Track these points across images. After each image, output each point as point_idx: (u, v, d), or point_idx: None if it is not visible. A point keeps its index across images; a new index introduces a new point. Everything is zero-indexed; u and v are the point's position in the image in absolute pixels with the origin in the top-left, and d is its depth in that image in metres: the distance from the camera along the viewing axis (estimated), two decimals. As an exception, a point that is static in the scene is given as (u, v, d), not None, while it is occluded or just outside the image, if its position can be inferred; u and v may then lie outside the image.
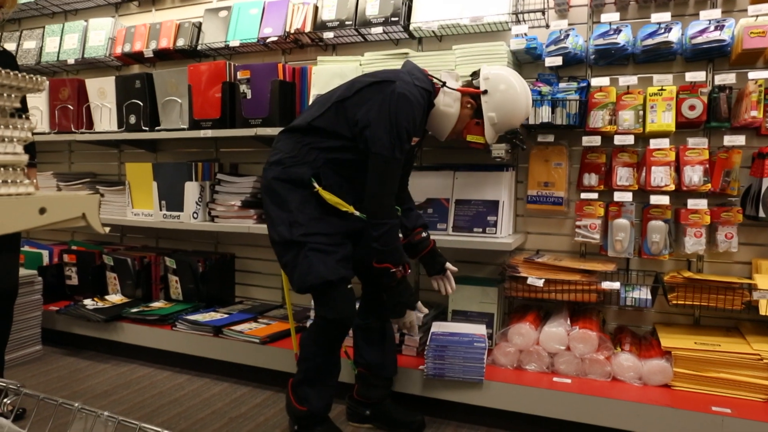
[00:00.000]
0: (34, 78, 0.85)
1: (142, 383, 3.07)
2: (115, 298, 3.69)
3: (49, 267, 3.83)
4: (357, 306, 2.43)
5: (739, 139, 2.53)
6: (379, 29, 3.08)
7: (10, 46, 4.16)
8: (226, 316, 3.33)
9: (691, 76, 2.57)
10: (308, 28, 3.25)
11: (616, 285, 2.61)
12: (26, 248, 4.05)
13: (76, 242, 4.17)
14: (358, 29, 3.14)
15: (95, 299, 3.63)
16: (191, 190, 3.37)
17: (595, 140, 2.71)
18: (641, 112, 2.66)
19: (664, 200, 2.60)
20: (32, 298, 3.41)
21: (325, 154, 2.28)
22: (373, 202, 2.23)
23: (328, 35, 3.22)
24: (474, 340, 2.55)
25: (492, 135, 2.40)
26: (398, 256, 2.27)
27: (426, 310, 2.47)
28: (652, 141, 2.62)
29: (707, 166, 2.58)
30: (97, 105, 3.75)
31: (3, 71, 0.86)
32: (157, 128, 3.54)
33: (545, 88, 2.76)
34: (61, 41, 4.01)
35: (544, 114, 2.71)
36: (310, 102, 3.11)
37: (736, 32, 2.53)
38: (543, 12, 2.81)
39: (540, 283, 2.65)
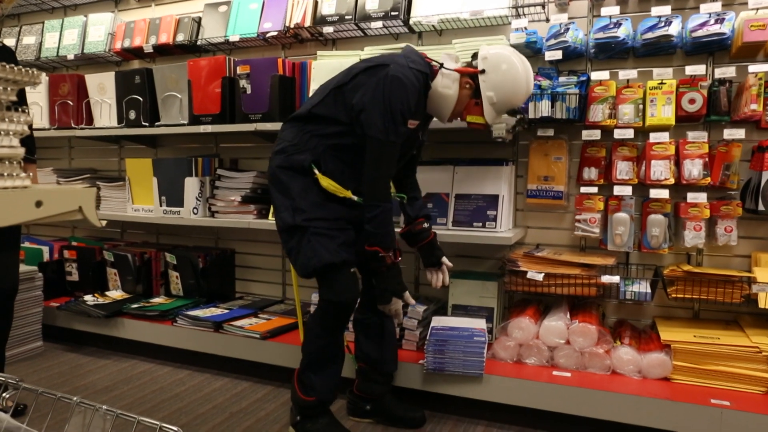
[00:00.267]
0: (29, 71, 0.85)
1: (143, 379, 3.08)
2: (116, 293, 3.69)
3: (49, 263, 3.83)
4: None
5: (739, 133, 2.52)
6: (379, 24, 3.08)
7: (9, 42, 4.16)
8: (226, 311, 3.33)
9: (691, 70, 2.57)
10: (308, 23, 3.24)
11: (616, 279, 2.61)
12: (27, 244, 4.05)
13: (76, 238, 4.18)
14: (358, 24, 3.13)
15: (96, 295, 3.64)
16: (191, 185, 3.37)
17: (595, 134, 2.71)
18: (641, 106, 2.66)
19: (664, 194, 2.60)
20: (33, 294, 3.41)
21: (325, 141, 2.30)
22: (368, 185, 2.25)
23: (328, 30, 3.22)
24: (474, 335, 2.56)
25: (492, 115, 2.35)
26: (389, 240, 2.28)
27: (412, 301, 2.43)
28: (651, 135, 2.62)
29: (707, 159, 2.58)
30: (96, 100, 3.75)
31: None
32: (156, 124, 3.54)
33: (545, 82, 2.75)
34: (61, 37, 4.01)
35: (544, 108, 2.71)
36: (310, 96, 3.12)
37: (736, 25, 2.53)
38: (543, 6, 2.80)
39: (540, 277, 2.65)
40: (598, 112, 2.70)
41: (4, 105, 0.85)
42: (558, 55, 2.72)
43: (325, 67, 3.09)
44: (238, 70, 3.25)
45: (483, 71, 2.31)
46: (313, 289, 2.74)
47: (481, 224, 2.81)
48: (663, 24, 2.59)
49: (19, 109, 0.86)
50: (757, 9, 2.45)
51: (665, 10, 2.58)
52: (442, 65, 2.33)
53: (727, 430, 2.18)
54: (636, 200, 2.77)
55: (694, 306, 2.81)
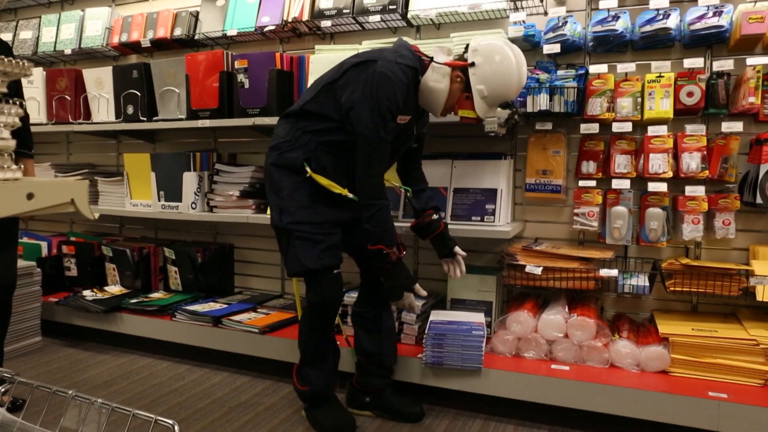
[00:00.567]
0: (20, 63, 0.84)
1: (142, 373, 3.09)
2: (115, 289, 3.69)
3: (48, 258, 3.83)
4: (344, 289, 2.50)
5: (737, 126, 2.52)
6: (377, 17, 3.07)
7: (6, 36, 4.15)
8: (225, 306, 3.33)
9: (689, 63, 2.56)
10: (306, 17, 3.23)
11: (614, 272, 2.61)
12: (25, 240, 4.05)
13: (74, 233, 4.17)
14: (356, 17, 3.12)
15: (94, 290, 3.64)
16: (189, 180, 3.37)
17: (594, 128, 2.71)
18: (639, 99, 2.65)
19: (662, 187, 2.60)
20: (31, 289, 3.41)
21: (317, 137, 2.30)
22: (362, 184, 2.25)
23: (326, 24, 3.21)
24: (472, 328, 2.56)
25: (484, 109, 2.31)
26: (390, 237, 2.28)
27: (424, 293, 2.43)
28: (650, 128, 2.62)
29: (705, 152, 2.58)
30: (94, 95, 3.75)
31: None
32: (154, 118, 3.54)
33: (543, 76, 2.75)
34: (58, 31, 3.99)
35: (542, 102, 2.70)
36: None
37: (734, 18, 2.52)
38: (541, -1, 2.79)
39: (538, 270, 2.65)
40: (596, 106, 2.69)
41: (-7, 97, 0.85)
42: (556, 48, 2.72)
43: (323, 61, 3.08)
44: (236, 65, 3.25)
45: (473, 64, 2.27)
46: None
47: (479, 218, 2.81)
48: (661, 17, 2.58)
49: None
50: (755, 1, 2.45)
51: (663, 2, 2.57)
52: (432, 59, 2.31)
53: (725, 423, 2.19)
54: (634, 193, 2.77)
55: (693, 299, 2.81)
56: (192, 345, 3.18)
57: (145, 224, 4.14)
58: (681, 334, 2.45)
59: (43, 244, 4.01)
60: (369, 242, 2.27)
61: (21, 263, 3.28)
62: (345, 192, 2.30)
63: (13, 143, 0.84)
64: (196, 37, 3.56)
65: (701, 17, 2.52)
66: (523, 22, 2.78)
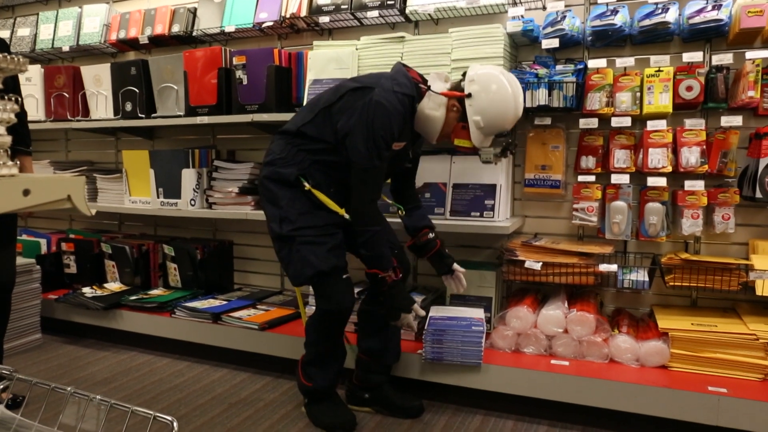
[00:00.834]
0: (15, 58, 0.84)
1: (142, 370, 3.09)
2: (114, 286, 3.69)
3: (47, 255, 3.83)
4: (356, 293, 2.47)
5: (737, 120, 2.52)
6: (375, 13, 3.06)
7: (3, 34, 4.14)
8: (224, 302, 3.33)
9: (688, 57, 2.55)
10: (304, 13, 3.22)
11: (614, 267, 2.61)
12: (24, 237, 4.05)
13: (74, 231, 4.17)
14: (354, 13, 3.11)
15: (94, 287, 3.64)
16: (188, 177, 3.36)
17: (593, 122, 2.70)
18: (638, 94, 2.65)
19: (662, 182, 2.60)
20: (31, 286, 3.41)
21: (311, 156, 2.33)
22: (356, 210, 2.28)
23: (324, 19, 3.20)
24: (472, 324, 2.56)
25: (479, 138, 2.32)
26: (385, 262, 2.30)
27: (422, 312, 2.47)
28: (649, 123, 2.61)
29: (704, 147, 2.57)
30: (92, 92, 3.74)
31: None
32: (153, 115, 3.53)
33: (542, 71, 2.74)
34: (56, 28, 3.99)
35: (541, 97, 2.70)
36: (307, 86, 3.11)
37: (733, 12, 2.51)
38: (539, -7, 2.79)
39: (538, 266, 2.65)
40: (595, 101, 2.69)
41: (-13, 93, 0.84)
42: (555, 43, 2.71)
43: (322, 57, 3.08)
44: (234, 61, 3.24)
45: (469, 95, 2.27)
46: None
47: (478, 214, 2.81)
48: (660, 11, 2.58)
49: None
50: (755, -5, 2.44)
51: (662, -4, 2.57)
52: (429, 87, 2.31)
53: (725, 417, 2.19)
54: (634, 188, 2.76)
55: (692, 294, 2.81)
56: (191, 342, 3.18)
57: (144, 221, 4.14)
58: (680, 329, 2.45)
59: (43, 242, 4.01)
60: (366, 266, 2.32)
61: (20, 260, 3.28)
62: (342, 212, 2.32)
63: (8, 139, 0.84)
64: (194, 33, 3.55)
65: (700, 11, 2.51)
66: (522, 16, 2.77)
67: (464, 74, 2.33)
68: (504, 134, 2.35)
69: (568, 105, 2.68)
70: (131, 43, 3.79)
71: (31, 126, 2.71)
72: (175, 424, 0.98)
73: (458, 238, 3.11)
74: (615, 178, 2.67)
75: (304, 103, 3.10)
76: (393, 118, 2.19)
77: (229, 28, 3.41)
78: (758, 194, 2.48)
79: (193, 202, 3.37)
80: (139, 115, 3.54)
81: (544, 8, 2.87)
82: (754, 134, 2.57)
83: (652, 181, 2.61)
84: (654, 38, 2.67)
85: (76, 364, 3.16)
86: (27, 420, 1.08)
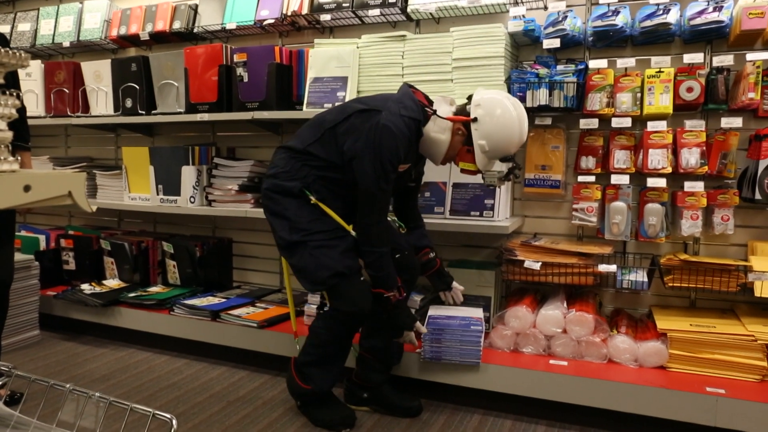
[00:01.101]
0: (16, 53, 0.84)
1: (140, 367, 3.08)
2: (113, 282, 3.69)
3: (46, 252, 3.83)
4: None
5: (737, 121, 2.52)
6: (377, 11, 3.05)
7: (4, 29, 4.13)
8: (223, 300, 3.33)
9: (689, 58, 2.56)
10: (305, 11, 3.22)
11: (613, 268, 2.62)
12: (23, 233, 4.05)
13: (73, 227, 4.17)
14: (356, 11, 3.11)
15: (93, 284, 3.63)
16: (188, 174, 3.36)
17: (593, 123, 2.70)
18: (639, 95, 2.65)
19: (661, 183, 2.60)
20: (29, 283, 3.40)
21: (316, 171, 2.34)
22: (362, 231, 2.31)
23: (325, 17, 3.20)
24: (471, 324, 2.56)
25: (484, 162, 2.31)
26: (390, 282, 2.32)
27: (424, 330, 2.50)
28: (649, 123, 2.61)
29: (704, 148, 2.57)
30: (93, 88, 3.73)
31: None
32: (153, 112, 3.53)
33: (543, 71, 2.74)
34: (56, 24, 3.98)
35: (542, 97, 2.70)
36: (307, 84, 3.10)
37: (734, 13, 2.51)
38: (541, -7, 2.78)
39: (537, 266, 2.65)
40: (595, 101, 2.69)
41: (-12, 88, 0.84)
42: (556, 43, 2.71)
43: (323, 55, 3.07)
44: (235, 58, 3.24)
45: (475, 119, 2.26)
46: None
47: (478, 213, 2.81)
48: (661, 12, 2.57)
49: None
50: (756, -4, 2.44)
51: (664, -3, 2.57)
52: (434, 111, 2.31)
53: (722, 418, 2.19)
54: (633, 189, 2.76)
55: (691, 295, 2.81)
56: (190, 339, 3.17)
57: (143, 218, 4.14)
58: (679, 329, 2.45)
59: (42, 238, 4.01)
60: (372, 285, 2.34)
61: (19, 256, 3.28)
62: (350, 228, 2.35)
63: (9, 135, 0.84)
64: (195, 30, 3.55)
65: (701, 12, 2.51)
66: (523, 16, 2.77)
67: (469, 98, 2.33)
68: (508, 158, 2.35)
69: (568, 105, 2.68)
70: (132, 40, 3.79)
71: (30, 121, 2.71)
72: (174, 421, 0.98)
73: (458, 237, 3.11)
74: (615, 179, 2.68)
75: (305, 102, 3.09)
76: (400, 142, 2.20)
77: (231, 26, 3.41)
78: (758, 196, 2.48)
79: (192, 200, 3.37)
80: (140, 111, 3.54)
81: (546, 8, 2.87)
82: (753, 136, 2.57)
83: (651, 182, 2.61)
84: (655, 39, 2.67)
85: (75, 361, 3.16)
86: (25, 417, 1.07)
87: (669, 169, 2.60)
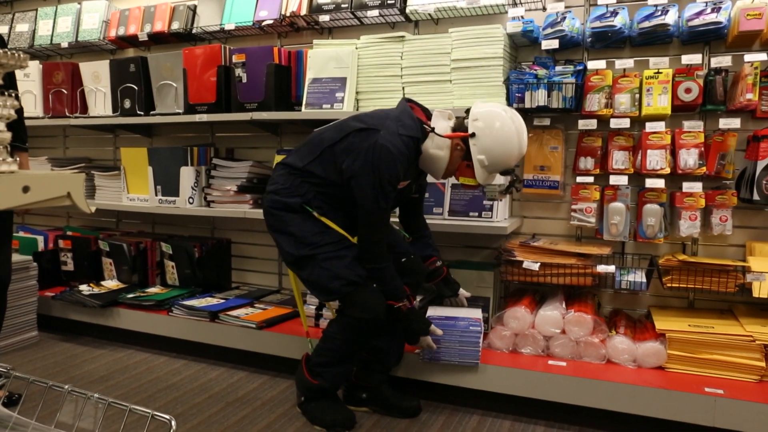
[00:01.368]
0: (15, 54, 0.84)
1: (139, 368, 3.08)
2: (111, 283, 3.69)
3: (44, 253, 3.82)
4: None
5: (735, 122, 2.52)
6: (375, 12, 3.05)
7: (2, 29, 4.13)
8: (222, 301, 3.33)
9: (687, 59, 2.56)
10: (304, 11, 3.22)
11: (612, 268, 2.62)
12: (21, 234, 4.04)
13: (71, 228, 4.16)
14: (354, 12, 3.11)
15: (91, 285, 3.63)
16: (187, 175, 3.36)
17: (591, 124, 2.71)
18: (637, 96, 2.65)
19: (660, 184, 2.60)
20: (27, 283, 3.40)
21: (316, 188, 2.35)
22: (364, 248, 2.32)
23: (324, 18, 3.20)
24: (470, 324, 2.56)
25: (484, 176, 2.31)
26: (399, 293, 2.34)
27: (440, 332, 2.50)
28: (647, 124, 2.62)
29: (702, 149, 2.58)
30: (91, 89, 3.73)
31: None
32: (152, 113, 3.53)
33: (542, 72, 2.74)
34: (54, 24, 3.98)
35: (541, 97, 2.70)
36: (306, 85, 3.10)
37: (732, 14, 2.52)
38: (539, -6, 2.79)
39: (536, 266, 2.65)
40: (594, 102, 2.69)
41: (-11, 89, 0.84)
42: (554, 44, 2.71)
43: (321, 56, 3.07)
44: (234, 59, 3.24)
45: (473, 135, 2.26)
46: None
47: (477, 214, 2.81)
48: (659, 13, 2.58)
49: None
50: (754, -2, 2.44)
51: (662, -2, 2.58)
52: (432, 129, 2.31)
53: (721, 418, 2.19)
54: (632, 190, 2.77)
55: (689, 295, 2.82)
56: (189, 340, 3.17)
57: (142, 219, 4.13)
58: (677, 330, 2.45)
59: (40, 239, 4.00)
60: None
61: (17, 257, 3.27)
62: (354, 240, 2.36)
63: (8, 135, 0.84)
64: (194, 31, 3.55)
65: (699, 13, 2.51)
66: (522, 17, 2.77)
67: (468, 111, 2.33)
68: (509, 171, 2.35)
69: (567, 106, 2.68)
70: (130, 40, 3.79)
71: (29, 122, 2.71)
72: (173, 422, 0.97)
73: (456, 238, 3.11)
74: (613, 180, 2.68)
75: (304, 102, 3.09)
76: (398, 161, 2.20)
77: (229, 26, 3.41)
78: (756, 196, 2.49)
79: (191, 200, 3.37)
80: (138, 112, 3.54)
81: (544, 9, 2.87)
82: (752, 136, 2.58)
83: (650, 183, 2.61)
84: (653, 40, 2.67)
85: (73, 362, 3.15)
86: (24, 418, 1.07)
87: (667, 170, 2.60)
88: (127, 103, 3.57)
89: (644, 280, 2.62)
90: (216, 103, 3.27)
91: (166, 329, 3.23)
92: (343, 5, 3.12)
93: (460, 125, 2.33)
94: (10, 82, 2.49)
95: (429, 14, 3.03)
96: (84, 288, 3.56)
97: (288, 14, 3.25)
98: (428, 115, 2.40)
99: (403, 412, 2.53)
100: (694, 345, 2.42)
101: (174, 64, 3.41)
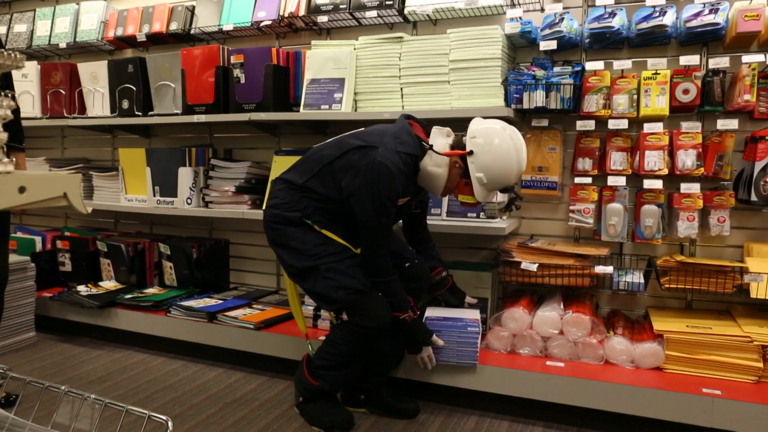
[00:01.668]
0: (11, 54, 0.83)
1: (137, 369, 3.08)
2: (109, 284, 3.68)
3: (42, 253, 3.81)
4: None
5: (732, 123, 2.52)
6: (374, 13, 3.06)
7: (0, 30, 4.12)
8: (220, 302, 3.33)
9: (685, 60, 2.56)
10: (302, 12, 3.22)
11: (610, 269, 2.62)
12: (19, 234, 4.03)
13: (69, 228, 4.16)
14: (353, 13, 3.11)
15: (89, 285, 3.63)
16: (185, 175, 3.36)
17: (590, 124, 2.71)
18: (635, 96, 2.65)
19: (658, 184, 2.61)
20: (25, 284, 3.39)
21: (315, 203, 2.36)
22: (368, 263, 2.33)
23: (322, 19, 3.20)
24: (468, 325, 2.56)
25: (483, 194, 2.30)
26: (403, 305, 2.35)
27: (441, 342, 2.51)
28: (645, 125, 2.62)
29: (700, 150, 2.58)
30: (89, 90, 3.73)
31: None
32: (150, 113, 3.52)
33: (540, 72, 2.74)
34: (53, 25, 3.97)
35: (539, 98, 2.70)
36: (305, 86, 3.10)
37: (730, 15, 2.52)
38: (537, -5, 2.79)
39: (534, 267, 2.65)
40: (592, 103, 2.69)
41: (-15, 90, 0.84)
42: (553, 45, 2.71)
43: (320, 56, 3.07)
44: (232, 60, 3.24)
45: (471, 152, 2.25)
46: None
47: (475, 215, 2.81)
48: (657, 14, 2.58)
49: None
50: (752, -1, 2.45)
51: (660, -1, 2.58)
52: (431, 146, 2.31)
53: (719, 419, 2.19)
54: (630, 191, 2.77)
55: (687, 296, 2.82)
56: (187, 341, 3.17)
57: (140, 219, 4.13)
58: (675, 330, 2.45)
59: (38, 239, 3.99)
60: None
61: (15, 258, 3.27)
62: (358, 252, 2.37)
63: (5, 136, 0.84)
64: (192, 31, 3.54)
65: (697, 14, 2.52)
66: (520, 18, 2.77)
67: (466, 129, 2.33)
68: (508, 189, 2.34)
69: (565, 107, 2.68)
70: (129, 41, 3.79)
71: (26, 123, 2.70)
72: (169, 423, 0.97)
73: (455, 239, 3.11)
74: (611, 180, 2.69)
75: (302, 103, 3.09)
76: (397, 179, 2.20)
77: (227, 27, 3.40)
78: (753, 197, 2.49)
79: (189, 201, 3.37)
80: (136, 112, 3.53)
81: (543, 10, 2.87)
82: (749, 137, 2.58)
83: (648, 184, 2.61)
84: (651, 41, 2.68)
85: (70, 363, 3.15)
86: (20, 419, 1.07)
87: (665, 171, 2.60)
88: (126, 104, 3.57)
89: (642, 280, 2.62)
90: (214, 104, 3.27)
91: (164, 330, 3.23)
92: (341, 6, 3.12)
93: (458, 142, 2.32)
94: (7, 83, 2.49)
95: (427, 15, 3.03)
96: (82, 288, 3.56)
97: (286, 15, 3.25)
98: (427, 131, 2.39)
99: (402, 413, 2.53)
100: (692, 346, 2.42)
101: (172, 64, 3.41)
